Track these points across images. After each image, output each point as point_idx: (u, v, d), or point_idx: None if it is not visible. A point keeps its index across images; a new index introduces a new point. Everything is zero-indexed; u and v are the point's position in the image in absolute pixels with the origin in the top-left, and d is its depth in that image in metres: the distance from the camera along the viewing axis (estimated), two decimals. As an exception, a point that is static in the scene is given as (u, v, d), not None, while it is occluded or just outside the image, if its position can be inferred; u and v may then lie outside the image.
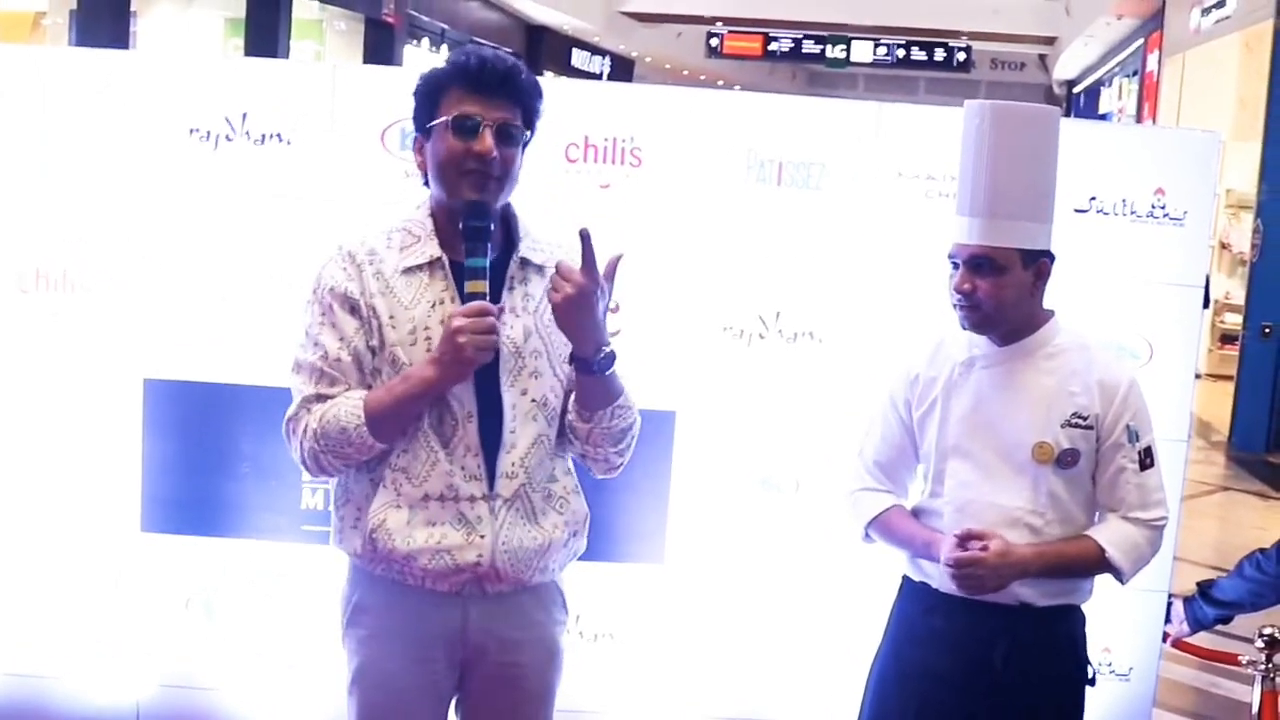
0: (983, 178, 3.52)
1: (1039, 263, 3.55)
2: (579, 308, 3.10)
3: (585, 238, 3.08)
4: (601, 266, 3.16)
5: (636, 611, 4.74)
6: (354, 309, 3.23)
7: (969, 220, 3.53)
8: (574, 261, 3.15)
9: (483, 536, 3.22)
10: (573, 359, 3.20)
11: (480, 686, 3.38)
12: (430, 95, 3.24)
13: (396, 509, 3.23)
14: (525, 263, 3.29)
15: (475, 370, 3.14)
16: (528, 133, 3.26)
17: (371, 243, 3.28)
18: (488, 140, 3.16)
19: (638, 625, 4.74)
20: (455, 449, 3.21)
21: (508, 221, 3.33)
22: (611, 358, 3.19)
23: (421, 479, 3.21)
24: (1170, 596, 4.59)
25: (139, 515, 4.65)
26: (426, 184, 3.31)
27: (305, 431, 3.23)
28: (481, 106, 3.18)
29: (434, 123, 3.21)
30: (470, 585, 3.26)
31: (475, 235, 3.14)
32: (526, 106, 3.25)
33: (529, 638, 3.38)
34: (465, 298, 3.13)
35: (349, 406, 3.18)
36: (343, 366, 3.23)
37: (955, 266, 3.56)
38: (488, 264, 3.14)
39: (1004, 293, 3.51)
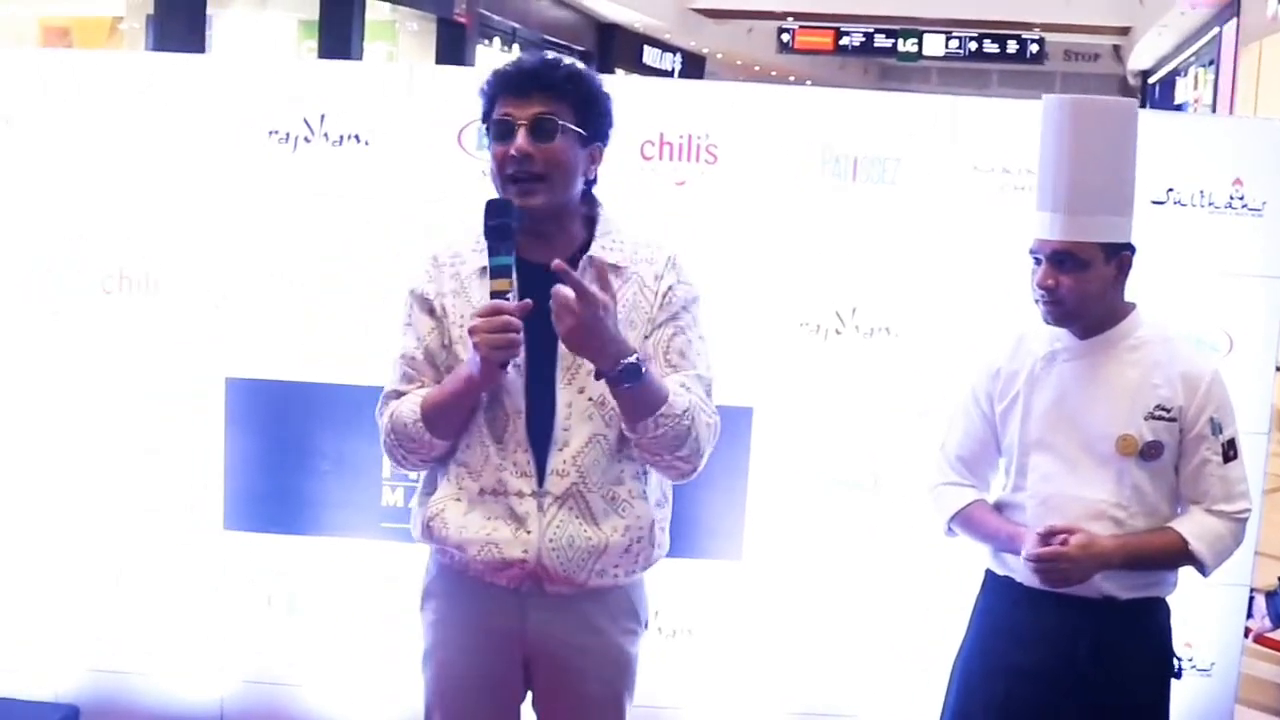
0: (1063, 172, 3.51)
1: (1121, 256, 3.53)
2: (583, 332, 3.04)
3: (563, 273, 3.00)
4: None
5: (714, 608, 4.74)
6: (430, 310, 3.31)
7: (1050, 215, 3.51)
8: (660, 267, 3.28)
9: (529, 532, 3.22)
10: (598, 375, 3.13)
11: (545, 688, 3.40)
12: (487, 106, 3.28)
13: (456, 501, 3.29)
14: (597, 262, 3.25)
15: (531, 368, 3.18)
16: (576, 128, 3.22)
17: (458, 245, 3.35)
18: (519, 139, 3.17)
19: (716, 621, 4.74)
20: (507, 444, 3.23)
21: (591, 220, 3.34)
22: (635, 369, 3.08)
23: (477, 473, 3.26)
24: (1252, 591, 4.56)
25: (222, 513, 4.70)
26: None
27: (382, 427, 3.34)
28: (516, 107, 3.20)
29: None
30: (528, 583, 3.27)
31: (495, 234, 3.13)
32: (574, 99, 3.23)
33: (591, 644, 3.37)
34: (491, 297, 3.12)
35: (411, 403, 3.26)
36: (418, 365, 3.32)
37: (1037, 262, 3.54)
38: (512, 262, 3.11)
39: (1087, 287, 3.49)
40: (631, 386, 3.09)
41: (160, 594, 4.76)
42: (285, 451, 4.66)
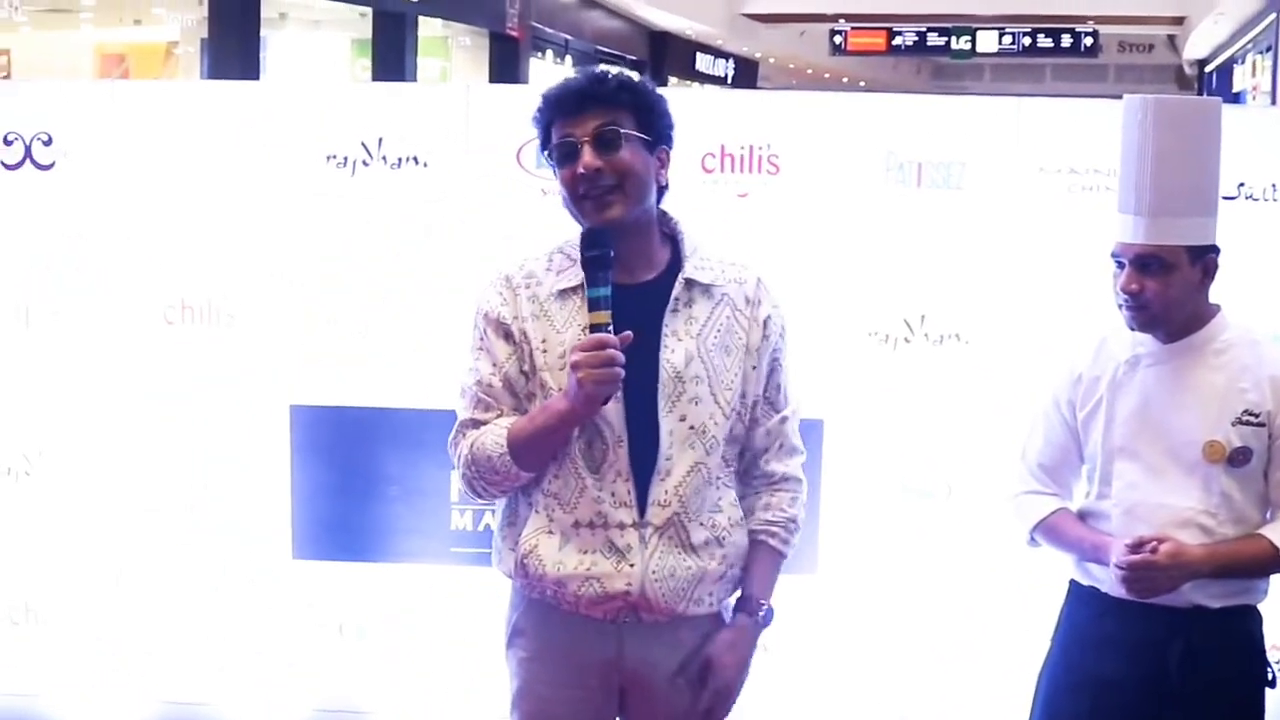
0: (1147, 174, 3.41)
1: (1206, 259, 3.44)
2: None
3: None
4: None
5: (790, 622, 4.66)
6: (507, 334, 3.20)
7: (1133, 218, 3.42)
8: (750, 289, 3.27)
9: (632, 565, 3.15)
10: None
11: (640, 715, 3.33)
12: (543, 130, 3.21)
13: (549, 535, 3.19)
14: (691, 283, 3.20)
15: (627, 395, 3.09)
16: (639, 134, 3.15)
17: (531, 266, 3.24)
18: (586, 157, 3.10)
19: (792, 636, 4.67)
20: (605, 474, 3.15)
21: (674, 238, 3.27)
22: (770, 613, 3.34)
23: (572, 505, 3.16)
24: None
25: (290, 543, 4.69)
26: None
27: (460, 458, 3.22)
28: (575, 126, 3.12)
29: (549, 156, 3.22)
30: (625, 613, 3.20)
31: (593, 264, 3.07)
32: (630, 106, 3.16)
33: None
34: (591, 329, 3.05)
35: (495, 435, 3.15)
36: (495, 392, 3.20)
37: (1120, 266, 3.46)
38: (609, 293, 3.05)
39: (1171, 292, 3.40)
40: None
41: (231, 624, 4.76)
42: (352, 478, 4.64)
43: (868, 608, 4.68)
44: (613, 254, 3.08)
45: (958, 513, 4.61)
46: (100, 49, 19.62)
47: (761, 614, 3.30)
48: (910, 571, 4.66)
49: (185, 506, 4.70)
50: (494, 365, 3.21)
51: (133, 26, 19.80)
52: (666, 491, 3.15)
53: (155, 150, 4.59)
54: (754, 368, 3.24)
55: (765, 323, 3.26)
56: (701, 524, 3.20)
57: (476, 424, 3.21)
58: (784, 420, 3.35)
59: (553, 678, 3.29)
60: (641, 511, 3.15)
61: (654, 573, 3.15)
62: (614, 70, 3.24)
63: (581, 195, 3.12)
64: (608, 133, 3.12)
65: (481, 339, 3.24)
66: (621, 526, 3.15)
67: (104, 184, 4.62)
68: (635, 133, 3.15)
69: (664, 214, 3.28)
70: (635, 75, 3.26)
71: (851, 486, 4.61)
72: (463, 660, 4.62)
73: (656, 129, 3.21)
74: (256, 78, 16.38)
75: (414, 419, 4.44)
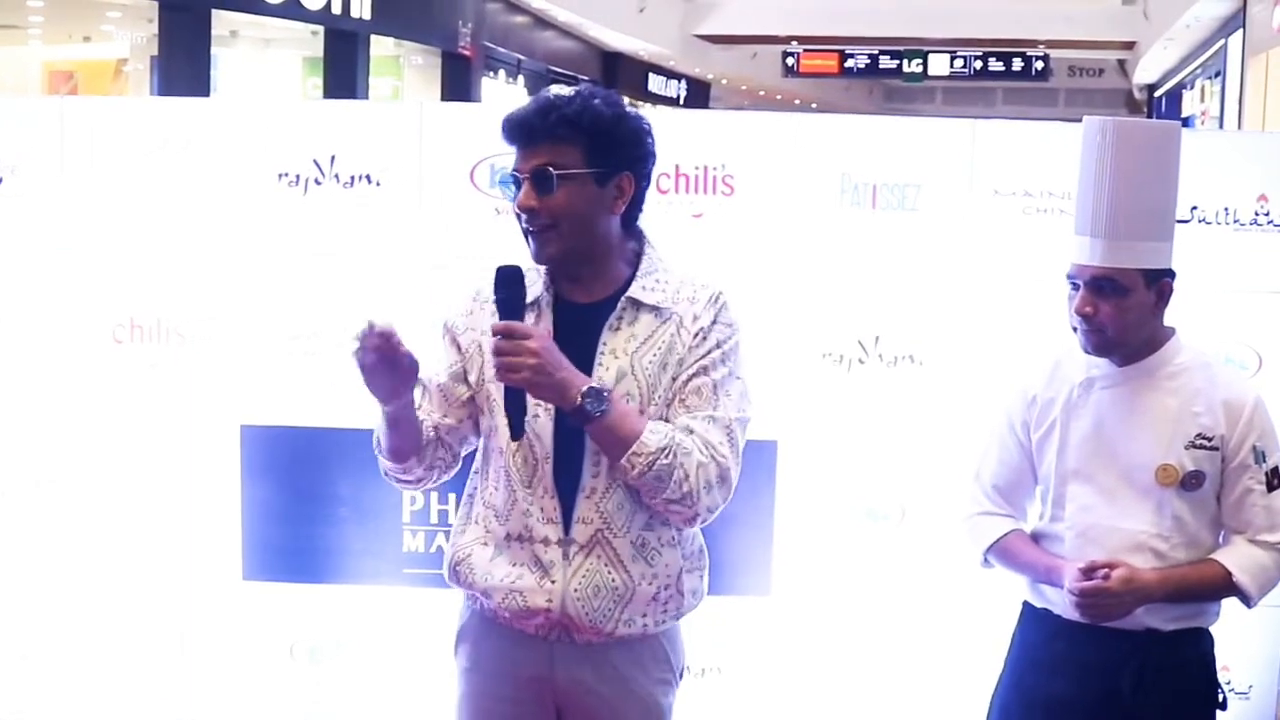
0: (1104, 197, 3.43)
1: (1161, 282, 3.46)
2: (536, 371, 2.99)
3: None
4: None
5: (743, 645, 4.67)
6: (456, 343, 3.29)
7: (1090, 240, 3.44)
8: (700, 307, 3.21)
9: (554, 582, 3.17)
10: (571, 420, 3.08)
11: None
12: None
13: (483, 545, 3.25)
14: (636, 303, 3.19)
15: (559, 411, 3.10)
16: (585, 169, 3.10)
17: None
18: (522, 196, 3.11)
19: (745, 659, 4.68)
20: (535, 489, 3.18)
21: (637, 259, 3.25)
22: (597, 395, 3.02)
23: (505, 518, 3.22)
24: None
25: (240, 564, 4.64)
26: None
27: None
28: (523, 159, 3.13)
29: None
30: (557, 631, 3.21)
31: (505, 306, 3.08)
32: (579, 140, 3.11)
33: (620, 694, 3.28)
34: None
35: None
36: (428, 391, 3.31)
37: (1075, 288, 3.47)
38: None
39: (1127, 315, 3.41)
40: (601, 419, 3.03)
41: (180, 647, 4.70)
42: (303, 499, 4.60)
43: (821, 630, 4.67)
44: (524, 296, 3.11)
45: (912, 535, 4.61)
46: (49, 65, 19.52)
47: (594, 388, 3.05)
48: (864, 594, 4.64)
49: (134, 526, 4.64)
50: (434, 370, 3.31)
51: (82, 43, 19.71)
52: (591, 508, 3.16)
53: (104, 167, 4.54)
54: (674, 379, 3.18)
55: (697, 332, 3.20)
56: (631, 541, 3.19)
57: None
58: (700, 420, 3.15)
59: (488, 689, 3.33)
60: (567, 528, 3.16)
61: (576, 590, 3.16)
62: (569, 96, 3.17)
63: (524, 229, 3.15)
64: (544, 173, 3.09)
65: (438, 341, 3.34)
66: (546, 542, 3.18)
67: (51, 201, 4.56)
68: (579, 169, 3.11)
69: (639, 235, 3.28)
70: (590, 102, 3.16)
71: (805, 509, 4.60)
72: (414, 682, 4.58)
73: (613, 159, 3.16)
74: (207, 95, 16.31)
75: (365, 439, 4.36)
